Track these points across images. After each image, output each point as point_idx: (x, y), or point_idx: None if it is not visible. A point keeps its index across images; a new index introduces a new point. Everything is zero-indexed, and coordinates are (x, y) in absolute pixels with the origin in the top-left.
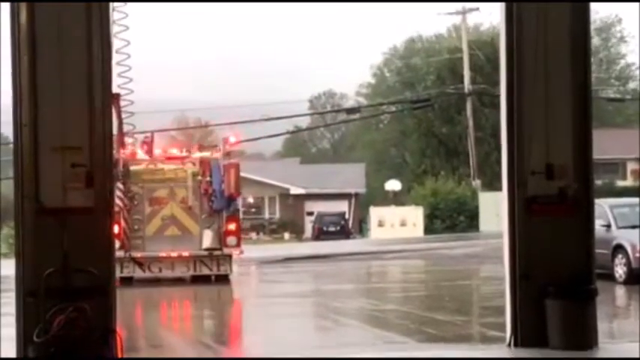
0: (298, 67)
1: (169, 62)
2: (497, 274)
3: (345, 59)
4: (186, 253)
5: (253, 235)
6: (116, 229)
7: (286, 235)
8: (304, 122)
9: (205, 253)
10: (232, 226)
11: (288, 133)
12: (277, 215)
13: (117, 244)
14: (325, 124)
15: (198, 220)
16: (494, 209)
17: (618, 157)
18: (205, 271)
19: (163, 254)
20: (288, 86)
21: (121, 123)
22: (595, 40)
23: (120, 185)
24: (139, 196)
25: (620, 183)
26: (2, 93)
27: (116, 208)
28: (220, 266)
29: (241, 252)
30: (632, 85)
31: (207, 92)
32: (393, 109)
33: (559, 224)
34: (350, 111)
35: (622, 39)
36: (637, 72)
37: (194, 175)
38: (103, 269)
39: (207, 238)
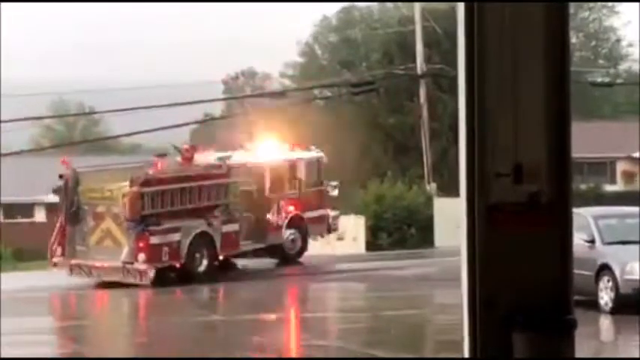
0: (209, 41)
1: (40, 34)
2: (455, 300)
3: (268, 32)
4: (107, 265)
5: None
6: (59, 237)
7: None
8: (217, 109)
9: (119, 264)
10: (141, 244)
11: (197, 122)
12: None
13: (59, 251)
14: (243, 111)
15: (127, 235)
16: (454, 220)
17: (606, 156)
18: (131, 280)
19: (98, 264)
20: (198, 64)
21: None
22: (578, 11)
23: (65, 198)
24: (83, 211)
25: (609, 187)
26: None
27: (61, 220)
28: (143, 278)
29: (148, 267)
30: (623, 66)
31: (92, 71)
32: (328, 94)
33: (529, 238)
34: (274, 96)
35: (612, 10)
36: (630, 49)
37: (124, 195)
38: None
39: (124, 253)
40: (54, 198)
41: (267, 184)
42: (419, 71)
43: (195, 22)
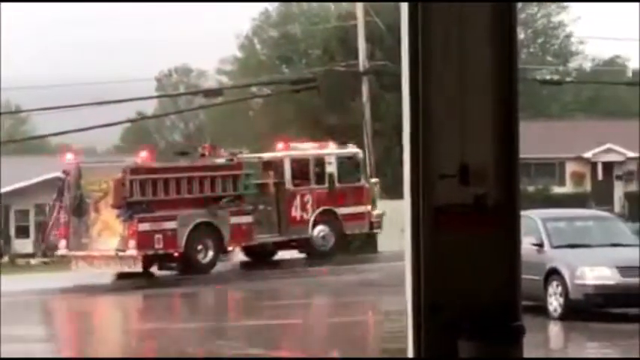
0: (142, 35)
1: None
2: (400, 306)
3: (204, 26)
4: (105, 254)
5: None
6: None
7: None
8: (150, 107)
9: (113, 253)
10: (131, 231)
11: (128, 121)
12: (40, 238)
13: (63, 244)
14: (177, 110)
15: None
16: (398, 223)
17: (554, 156)
18: (125, 268)
19: (97, 254)
20: (129, 60)
21: None
22: (526, 7)
23: (68, 192)
24: (86, 204)
25: (558, 189)
26: None
27: (64, 214)
28: (135, 265)
29: (139, 254)
30: (573, 63)
31: (19, 67)
32: (267, 91)
33: (476, 242)
34: (210, 93)
35: (561, 5)
36: (580, 47)
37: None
38: None
39: (117, 241)
40: None
41: (288, 178)
42: (361, 68)
43: (128, 15)
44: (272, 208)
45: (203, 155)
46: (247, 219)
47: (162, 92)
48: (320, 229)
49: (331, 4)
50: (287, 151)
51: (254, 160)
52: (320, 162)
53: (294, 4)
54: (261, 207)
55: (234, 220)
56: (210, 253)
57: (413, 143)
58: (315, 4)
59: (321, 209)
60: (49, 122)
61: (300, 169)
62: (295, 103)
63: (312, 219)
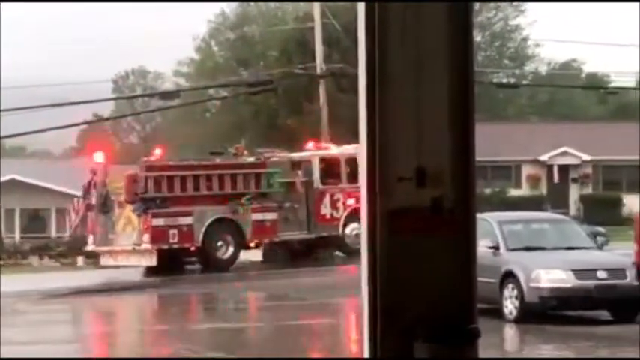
0: (98, 36)
1: None
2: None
3: (160, 28)
4: (125, 249)
5: (35, 260)
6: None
7: (80, 260)
8: (106, 109)
9: (131, 247)
10: (145, 225)
11: (84, 123)
12: (69, 233)
13: (91, 239)
14: (134, 112)
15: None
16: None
17: (511, 160)
18: (142, 262)
19: (118, 249)
20: (86, 61)
21: None
22: (483, 10)
23: (94, 190)
24: (111, 201)
25: (514, 192)
26: None
27: (91, 212)
28: (150, 258)
29: (153, 248)
30: (529, 67)
31: None
32: (224, 93)
33: (432, 245)
34: (166, 95)
35: (518, 8)
36: (536, 50)
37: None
38: None
39: (133, 235)
40: None
41: (316, 177)
42: (318, 70)
43: (84, 16)
44: (299, 206)
45: (235, 155)
46: (271, 216)
47: (118, 94)
48: (353, 227)
49: (289, 6)
50: (317, 150)
51: (282, 159)
52: (352, 162)
53: (252, 5)
54: (287, 205)
55: (257, 217)
56: (231, 249)
57: (370, 146)
58: (272, 6)
59: (353, 207)
60: (3, 124)
61: (331, 168)
62: (252, 105)
63: (343, 217)
